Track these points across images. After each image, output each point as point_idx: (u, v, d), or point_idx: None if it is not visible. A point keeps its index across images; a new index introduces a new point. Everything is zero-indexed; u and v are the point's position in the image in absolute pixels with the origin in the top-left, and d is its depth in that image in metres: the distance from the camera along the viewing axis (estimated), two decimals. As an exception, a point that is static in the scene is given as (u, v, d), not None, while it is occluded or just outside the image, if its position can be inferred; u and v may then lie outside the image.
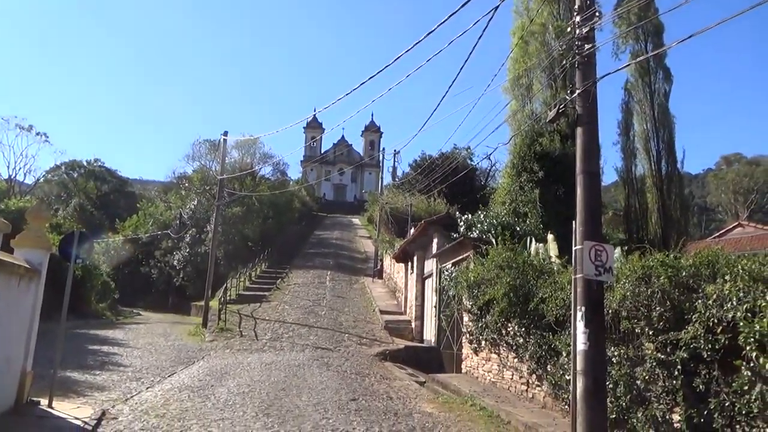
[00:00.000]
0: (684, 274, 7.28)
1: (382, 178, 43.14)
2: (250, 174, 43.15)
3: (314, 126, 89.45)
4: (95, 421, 8.35)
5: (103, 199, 58.51)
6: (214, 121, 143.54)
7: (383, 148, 46.25)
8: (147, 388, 11.40)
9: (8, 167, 61.92)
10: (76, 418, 8.41)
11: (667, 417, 7.18)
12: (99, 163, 63.57)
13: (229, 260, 37.70)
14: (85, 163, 62.69)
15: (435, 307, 18.92)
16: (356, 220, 66.63)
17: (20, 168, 57.73)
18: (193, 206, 43.13)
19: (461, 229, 18.36)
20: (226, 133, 27.99)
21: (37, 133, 55.59)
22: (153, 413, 9.27)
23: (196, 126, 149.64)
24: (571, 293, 8.64)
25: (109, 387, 11.27)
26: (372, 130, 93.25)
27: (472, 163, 42.42)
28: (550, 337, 10.23)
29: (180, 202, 46.90)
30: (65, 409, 8.96)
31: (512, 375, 12.12)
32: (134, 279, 42.14)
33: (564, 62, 9.21)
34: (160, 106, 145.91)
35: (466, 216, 19.21)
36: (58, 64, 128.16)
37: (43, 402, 9.00)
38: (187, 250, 40.24)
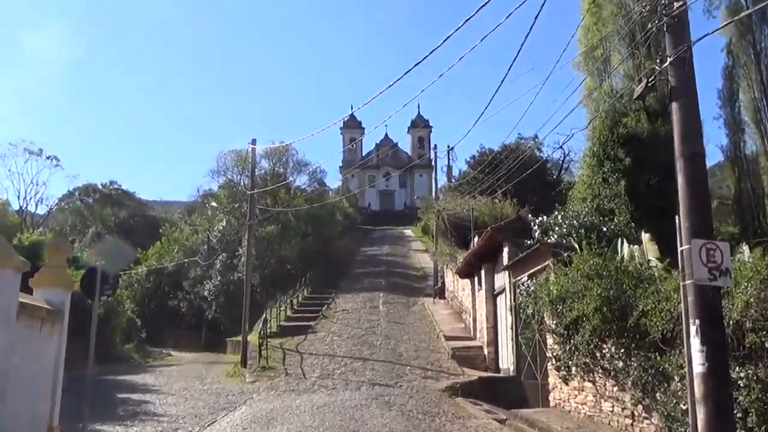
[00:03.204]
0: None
1: (435, 180, 43.00)
2: (283, 186, 43.98)
3: (352, 126, 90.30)
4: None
5: (122, 226, 60.73)
6: (241, 133, 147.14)
7: (434, 145, 46.09)
8: (186, 439, 11.65)
9: (19, 197, 64.85)
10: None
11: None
12: (115, 186, 66.10)
13: (266, 287, 38.38)
14: (100, 187, 65.24)
15: (511, 328, 18.69)
16: (408, 232, 66.57)
17: (31, 197, 60.28)
18: (221, 227, 44.27)
19: (535, 234, 18.12)
20: (254, 142, 28.64)
21: (48, 157, 57.78)
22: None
23: (222, 138, 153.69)
24: (679, 303, 8.36)
25: (144, 440, 11.57)
26: (420, 126, 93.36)
27: (542, 155, 42.04)
28: (657, 358, 9.91)
29: (207, 224, 48.20)
30: (98, 467, 9.27)
31: (612, 407, 11.80)
32: (161, 314, 43.50)
33: (649, 26, 9.00)
34: (180, 120, 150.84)
35: (540, 218, 18.96)
36: (62, 80, 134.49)
37: (74, 460, 9.35)
38: (219, 278, 41.22)
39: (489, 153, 41.90)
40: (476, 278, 23.99)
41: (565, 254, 14.04)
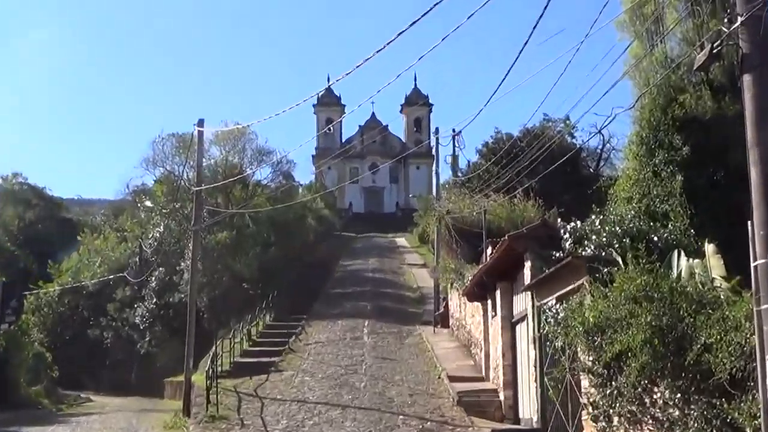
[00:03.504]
0: None
1: (437, 173, 43.13)
2: (239, 181, 43.96)
3: (329, 103, 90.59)
4: None
5: (29, 231, 60.33)
6: (185, 114, 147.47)
7: (436, 129, 46.25)
8: None
9: None
10: None
11: None
12: (20, 180, 65.73)
13: (216, 312, 38.31)
14: (0, 181, 64.84)
15: (534, 367, 18.70)
16: (401, 240, 66.54)
17: None
18: (158, 234, 44.12)
19: (566, 244, 18.12)
20: (201, 123, 28.56)
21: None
22: None
23: (161, 122, 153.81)
24: (752, 335, 8.37)
25: None
26: (417, 103, 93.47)
27: (575, 142, 42.23)
28: (724, 405, 9.91)
29: (139, 230, 48.02)
30: None
31: (666, 468, 11.79)
32: (80, 347, 43.24)
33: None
34: (106, 103, 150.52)
35: (572, 223, 18.98)
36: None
37: None
38: (154, 300, 41.08)
39: (506, 139, 42.14)
40: (489, 302, 23.98)
41: (605, 270, 14.04)
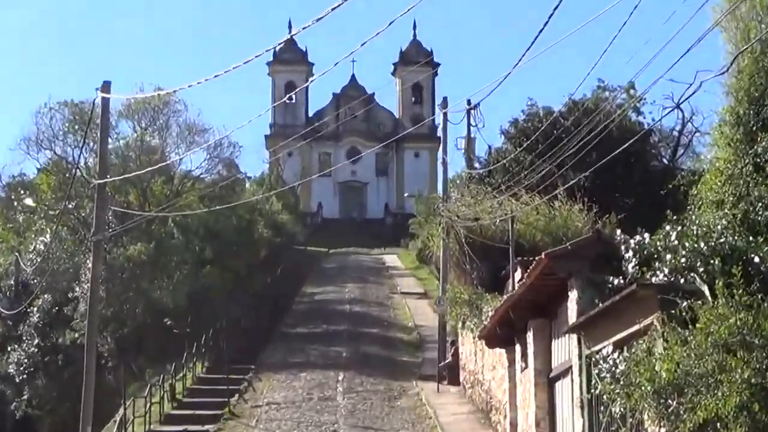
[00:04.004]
0: None
1: (444, 162, 42.63)
2: (160, 171, 43.61)
3: (291, 60, 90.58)
4: None
5: None
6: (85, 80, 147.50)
7: (443, 99, 44.88)
8: None
9: None
10: None
11: None
12: None
13: (127, 358, 38.14)
14: None
15: (581, 441, 18.69)
16: (392, 258, 66.26)
17: None
18: (42, 246, 43.79)
19: (629, 266, 18.16)
20: (106, 87, 28.10)
21: None
22: None
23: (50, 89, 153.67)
24: None
25: None
26: (417, 62, 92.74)
27: (642, 120, 42.25)
28: None
29: (15, 240, 47.67)
30: None
31: None
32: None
33: None
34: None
35: (637, 237, 19.04)
36: None
37: None
38: (36, 341, 40.79)
39: (544, 116, 42.03)
40: (518, 348, 24.04)
41: (684, 305, 14.07)
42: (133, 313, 40.09)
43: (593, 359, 17.80)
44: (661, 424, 13.85)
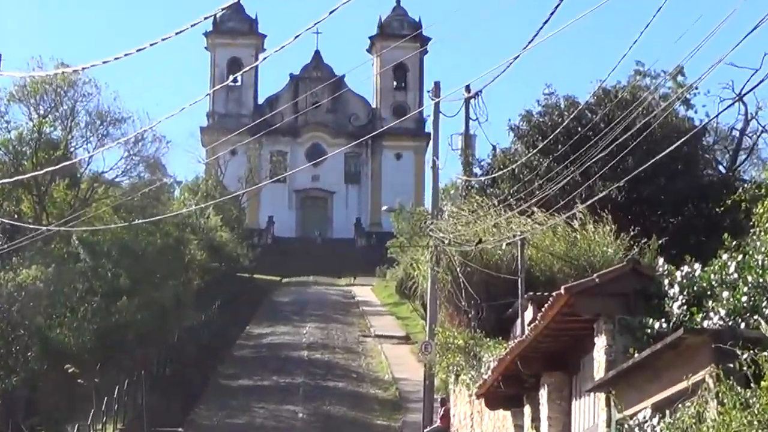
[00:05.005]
0: None
1: (435, 167, 42.84)
2: (62, 172, 43.41)
3: (236, 32, 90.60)
4: None
5: None
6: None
7: (434, 84, 45.78)
8: None
9: None
10: None
11: None
12: None
13: (13, 416, 37.83)
14: None
15: None
16: (364, 291, 66.48)
17: None
18: None
19: (674, 306, 18.27)
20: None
21: None
22: None
23: None
24: None
25: None
26: (400, 35, 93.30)
27: (693, 115, 42.36)
28: None
29: None
30: None
31: None
32: None
33: None
34: None
35: (685, 269, 19.12)
36: None
37: None
38: None
39: (566, 106, 42.10)
40: (527, 410, 24.08)
41: (746, 356, 14.07)
42: (25, 358, 39.78)
43: (626, 426, 17.79)
44: None
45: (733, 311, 16.96)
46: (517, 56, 24.36)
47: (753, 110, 44.58)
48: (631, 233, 33.19)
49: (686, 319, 17.33)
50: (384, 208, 78.44)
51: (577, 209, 32.43)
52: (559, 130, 34.09)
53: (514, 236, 33.34)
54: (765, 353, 13.89)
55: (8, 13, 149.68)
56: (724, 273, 18.21)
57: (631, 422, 17.62)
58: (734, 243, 20.81)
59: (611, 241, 33.37)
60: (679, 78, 37.82)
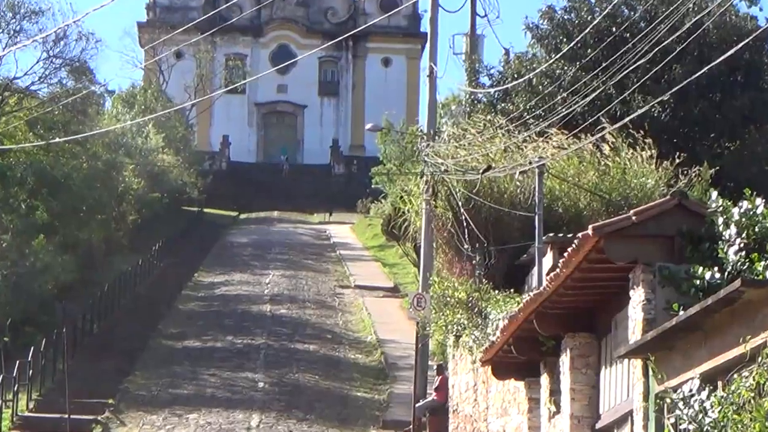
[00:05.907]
0: None
1: (432, 74, 42.81)
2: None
3: None
4: None
5: None
6: None
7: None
8: None
9: None
10: None
11: None
12: None
13: None
14: None
15: None
16: (342, 231, 66.97)
17: None
18: None
19: (730, 250, 18.41)
20: None
21: None
22: None
23: None
24: None
25: None
26: None
27: (757, 16, 42.36)
28: None
29: None
30: None
31: None
32: None
33: None
34: None
35: (745, 204, 19.28)
36: None
37: None
38: None
39: (596, 2, 42.13)
40: (544, 380, 24.41)
41: (819, 316, 14.28)
42: None
43: (668, 400, 17.97)
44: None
45: (803, 259, 17.11)
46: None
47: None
48: (677, 161, 33.23)
49: (745, 268, 17.42)
50: (368, 126, 77.92)
51: (609, 130, 32.51)
52: (588, 30, 34.14)
53: (531, 163, 33.43)
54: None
55: None
56: (792, 210, 18.34)
57: (674, 396, 17.72)
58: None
59: (651, 171, 33.37)
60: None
